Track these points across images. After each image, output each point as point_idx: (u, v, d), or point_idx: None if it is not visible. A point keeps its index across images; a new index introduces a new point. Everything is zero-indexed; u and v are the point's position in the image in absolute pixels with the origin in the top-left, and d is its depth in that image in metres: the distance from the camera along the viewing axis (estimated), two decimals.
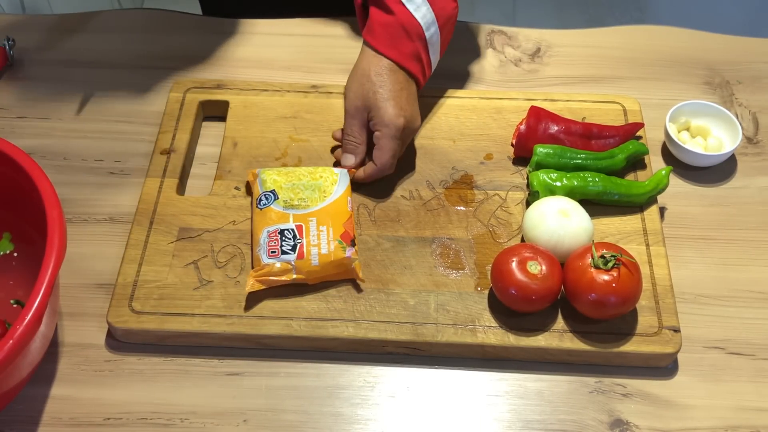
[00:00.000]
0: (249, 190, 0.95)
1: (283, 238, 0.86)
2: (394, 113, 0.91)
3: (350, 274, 0.87)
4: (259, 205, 0.89)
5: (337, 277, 0.87)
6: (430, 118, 1.03)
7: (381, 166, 0.93)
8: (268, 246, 0.85)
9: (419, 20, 0.93)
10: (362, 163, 0.95)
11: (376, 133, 0.93)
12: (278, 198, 0.89)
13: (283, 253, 0.85)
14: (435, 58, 0.97)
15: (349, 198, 0.91)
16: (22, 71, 1.11)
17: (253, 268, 0.87)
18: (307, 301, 0.86)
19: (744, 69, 1.12)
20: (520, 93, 1.05)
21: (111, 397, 0.82)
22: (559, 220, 0.87)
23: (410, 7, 0.93)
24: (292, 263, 0.85)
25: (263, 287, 0.85)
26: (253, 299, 0.86)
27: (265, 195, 0.89)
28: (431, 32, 0.94)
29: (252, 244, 0.89)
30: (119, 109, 1.06)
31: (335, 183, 0.91)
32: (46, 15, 1.21)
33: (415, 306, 0.86)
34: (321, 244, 0.86)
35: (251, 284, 0.84)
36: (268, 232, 0.87)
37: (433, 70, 0.98)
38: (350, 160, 0.95)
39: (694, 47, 1.14)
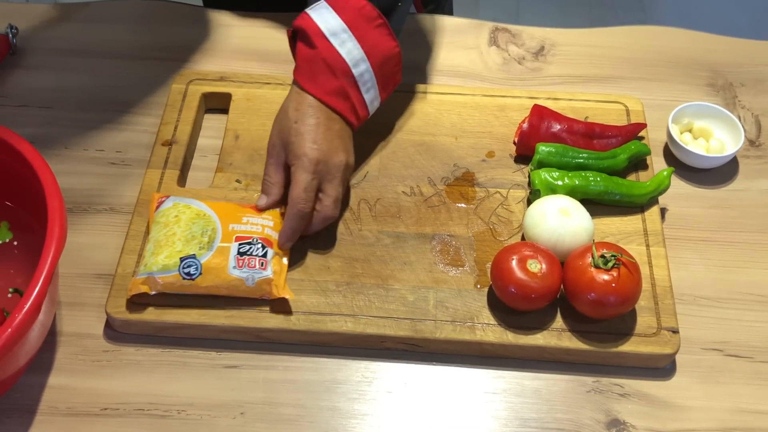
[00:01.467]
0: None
1: (251, 254, 0.85)
2: (307, 146, 0.86)
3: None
4: (192, 277, 0.83)
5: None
6: (433, 115, 1.03)
7: (292, 201, 0.86)
8: (249, 264, 0.84)
9: (344, 56, 0.88)
10: (276, 205, 0.90)
11: (291, 168, 0.88)
12: (196, 258, 0.84)
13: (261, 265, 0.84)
14: (371, 97, 0.92)
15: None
16: (25, 60, 1.11)
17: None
18: (306, 295, 0.86)
19: (747, 71, 1.12)
20: (523, 91, 1.05)
21: (108, 388, 0.82)
22: (559, 219, 0.87)
23: (334, 42, 0.88)
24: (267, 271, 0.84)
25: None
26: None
27: (184, 266, 0.83)
28: (360, 69, 0.89)
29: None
30: (121, 99, 1.06)
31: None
32: (49, 3, 1.21)
33: (414, 302, 0.86)
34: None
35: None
36: (238, 258, 0.84)
37: (371, 111, 0.93)
38: (262, 200, 0.89)
39: (697, 49, 1.14)
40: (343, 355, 0.85)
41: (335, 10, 0.89)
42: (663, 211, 0.96)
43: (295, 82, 0.90)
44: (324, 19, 0.89)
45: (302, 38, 0.90)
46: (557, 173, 0.92)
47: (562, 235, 0.86)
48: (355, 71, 0.89)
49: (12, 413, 0.80)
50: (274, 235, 0.87)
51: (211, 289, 0.83)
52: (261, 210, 0.89)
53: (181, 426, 0.80)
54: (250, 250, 0.84)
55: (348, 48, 0.89)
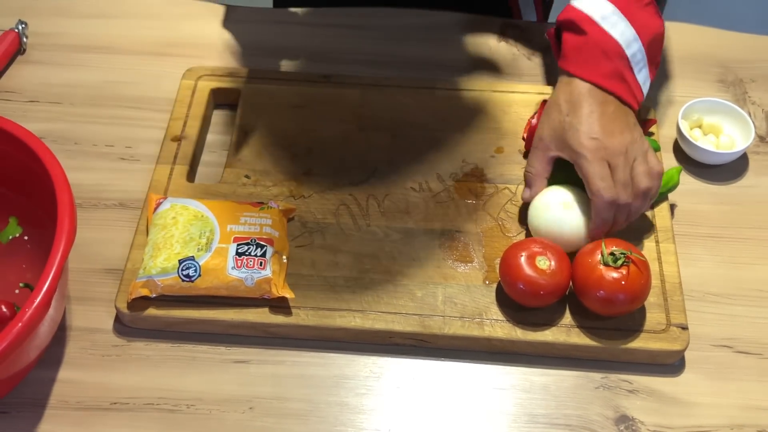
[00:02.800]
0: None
1: (249, 254, 0.84)
2: (584, 138, 0.84)
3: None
4: (191, 279, 0.83)
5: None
6: (442, 111, 1.02)
7: (593, 195, 0.84)
8: (247, 266, 0.84)
9: (616, 38, 0.86)
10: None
11: (575, 165, 0.86)
12: (194, 259, 0.84)
13: (260, 265, 0.84)
14: (643, 77, 0.89)
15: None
16: (35, 55, 1.11)
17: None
18: (315, 291, 0.86)
19: (758, 67, 1.11)
20: (531, 87, 1.05)
21: (118, 382, 0.82)
22: (561, 212, 0.86)
23: (605, 25, 0.87)
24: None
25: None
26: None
27: (183, 268, 0.84)
28: (633, 50, 0.87)
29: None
30: (131, 95, 1.06)
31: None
32: None
33: (422, 298, 0.86)
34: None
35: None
36: (236, 258, 0.84)
37: (645, 92, 0.90)
38: (526, 193, 0.90)
39: (707, 44, 1.14)
40: (351, 351, 0.85)
41: None
42: (672, 207, 0.95)
43: (564, 73, 0.89)
44: (592, 5, 0.88)
45: (569, 29, 0.89)
46: (564, 171, 0.92)
47: (561, 227, 0.86)
48: (629, 52, 0.87)
49: (22, 407, 0.81)
50: (274, 234, 0.87)
51: (210, 290, 0.84)
52: (526, 200, 0.90)
53: (190, 420, 0.80)
54: (249, 250, 0.85)
55: (620, 29, 0.87)
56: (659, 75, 1.09)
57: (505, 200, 0.94)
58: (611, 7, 0.88)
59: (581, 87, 0.87)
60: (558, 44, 0.92)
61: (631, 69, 0.88)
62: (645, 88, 0.90)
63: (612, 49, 0.87)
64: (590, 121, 0.85)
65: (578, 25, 0.88)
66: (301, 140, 0.99)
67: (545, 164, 0.89)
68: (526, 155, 0.98)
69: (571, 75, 0.88)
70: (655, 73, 0.92)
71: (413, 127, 1.01)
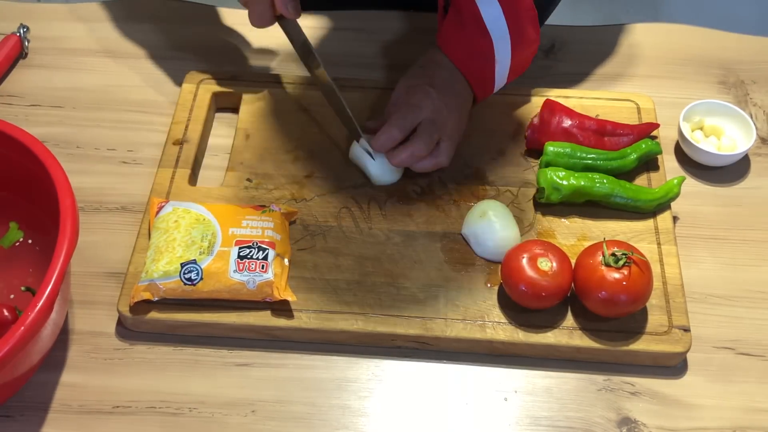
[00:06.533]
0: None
1: (251, 257, 0.84)
2: (420, 96, 0.93)
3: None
4: (193, 283, 0.83)
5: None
6: None
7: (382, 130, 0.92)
8: (249, 268, 0.84)
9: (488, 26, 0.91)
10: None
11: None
12: (196, 263, 0.84)
13: (261, 268, 0.84)
14: (501, 78, 0.96)
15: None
16: (37, 59, 1.11)
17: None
18: (317, 294, 0.86)
19: (759, 69, 1.11)
20: (533, 89, 1.05)
21: (120, 386, 0.82)
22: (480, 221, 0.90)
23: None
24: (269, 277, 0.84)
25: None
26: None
27: (185, 272, 0.84)
28: (502, 53, 0.93)
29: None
30: (132, 98, 1.06)
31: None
32: (60, 3, 1.21)
33: (424, 300, 0.86)
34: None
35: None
36: (238, 261, 0.84)
37: (496, 90, 0.97)
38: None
39: (708, 46, 1.14)
40: (353, 353, 0.85)
41: None
42: (674, 209, 0.95)
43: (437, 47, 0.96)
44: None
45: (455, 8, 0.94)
46: (563, 173, 0.92)
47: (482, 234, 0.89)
48: (497, 46, 0.92)
49: (25, 411, 0.81)
50: (276, 237, 0.87)
51: (212, 293, 0.84)
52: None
53: (192, 424, 0.80)
54: (251, 254, 0.85)
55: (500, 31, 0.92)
56: (660, 76, 1.10)
57: (506, 202, 0.94)
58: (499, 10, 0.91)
59: (443, 60, 0.95)
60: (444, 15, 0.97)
61: (493, 63, 0.93)
62: (498, 87, 0.97)
63: (480, 39, 0.92)
64: (432, 83, 0.93)
65: (462, 14, 0.92)
66: (303, 143, 0.99)
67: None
68: (527, 157, 0.98)
69: (438, 48, 0.96)
70: (515, 77, 0.98)
71: None
